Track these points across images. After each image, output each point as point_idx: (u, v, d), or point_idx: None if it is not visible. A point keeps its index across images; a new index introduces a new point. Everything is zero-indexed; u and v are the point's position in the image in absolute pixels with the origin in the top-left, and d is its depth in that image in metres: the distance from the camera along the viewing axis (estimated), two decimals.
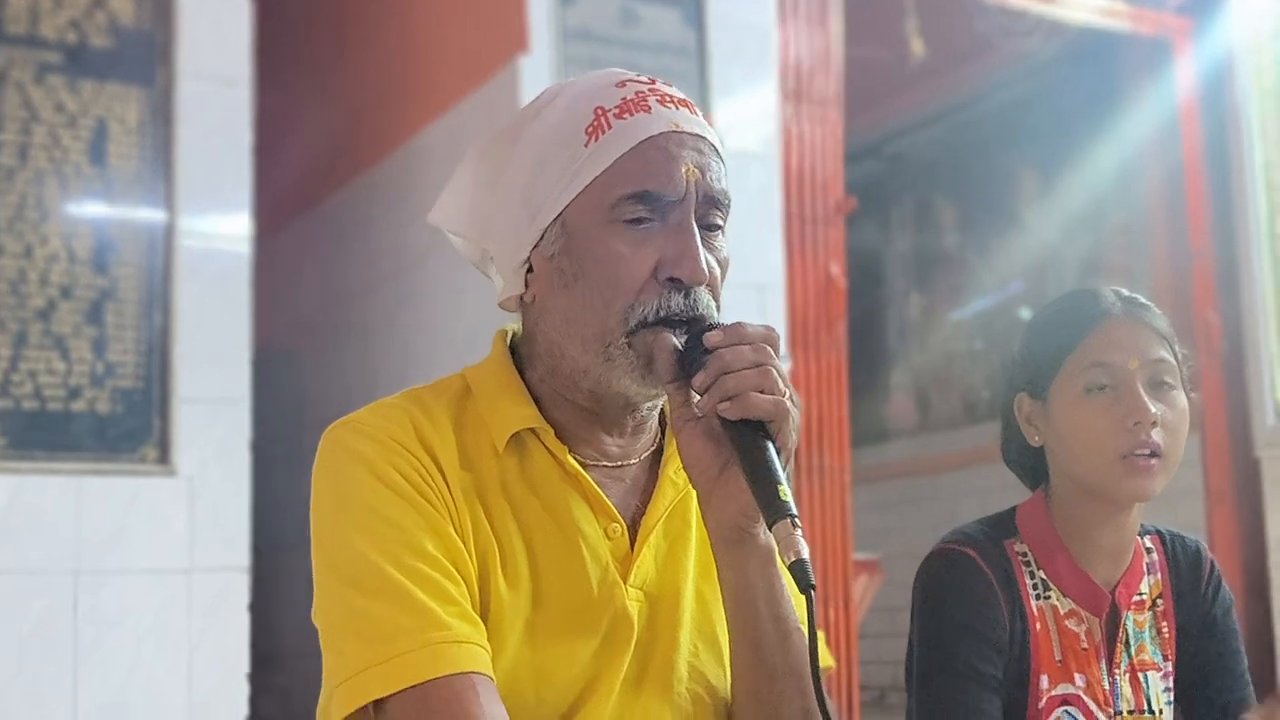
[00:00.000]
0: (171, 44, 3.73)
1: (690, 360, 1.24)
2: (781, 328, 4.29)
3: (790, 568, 1.16)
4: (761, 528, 1.26)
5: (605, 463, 1.35)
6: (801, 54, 4.55)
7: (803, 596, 1.17)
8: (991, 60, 6.63)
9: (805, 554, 1.16)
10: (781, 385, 1.23)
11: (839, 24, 4.65)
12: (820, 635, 1.50)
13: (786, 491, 1.19)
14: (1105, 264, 6.14)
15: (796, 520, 1.17)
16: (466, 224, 1.39)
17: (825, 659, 1.45)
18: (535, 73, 3.95)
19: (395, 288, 4.73)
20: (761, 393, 1.21)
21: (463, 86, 4.37)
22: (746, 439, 1.21)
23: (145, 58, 3.71)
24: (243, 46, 3.81)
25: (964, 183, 7.16)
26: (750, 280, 4.14)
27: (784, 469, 1.22)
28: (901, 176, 7.46)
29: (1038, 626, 1.67)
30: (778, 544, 1.18)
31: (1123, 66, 5.91)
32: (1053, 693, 1.66)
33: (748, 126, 4.35)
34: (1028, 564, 1.70)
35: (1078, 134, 6.23)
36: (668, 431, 1.38)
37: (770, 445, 1.21)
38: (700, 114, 1.34)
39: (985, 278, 7.03)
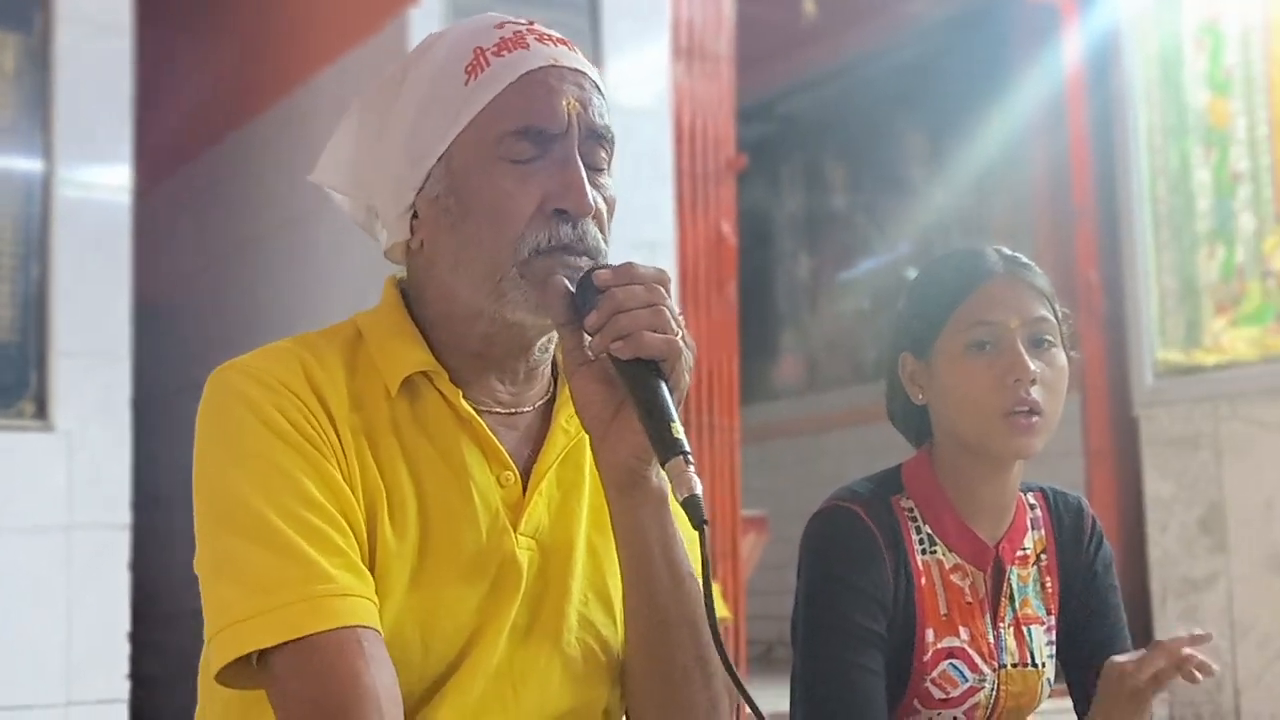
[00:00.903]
0: None
1: (583, 301, 1.24)
2: (672, 286, 4.29)
3: (683, 504, 1.17)
4: (655, 470, 1.26)
5: (499, 409, 1.34)
6: (694, 11, 4.55)
7: (695, 534, 1.17)
8: (883, 22, 6.67)
9: (698, 490, 1.16)
10: (674, 325, 1.23)
11: None
12: (716, 587, 1.51)
13: (679, 429, 1.19)
14: (990, 225, 6.22)
15: (689, 457, 1.17)
16: (350, 180, 1.38)
17: (721, 610, 1.46)
18: (425, 25, 3.90)
19: (281, 241, 4.67)
20: (654, 332, 1.21)
21: (352, 37, 4.31)
22: (639, 378, 1.21)
23: (22, 2, 3.61)
24: None
25: (853, 144, 7.20)
26: (641, 238, 4.13)
27: (677, 409, 1.22)
28: (792, 137, 7.49)
29: (923, 581, 1.69)
30: (671, 481, 1.18)
31: (1011, 31, 5.97)
32: (938, 646, 1.69)
33: (639, 83, 4.33)
34: (914, 519, 1.72)
35: (966, 97, 6.30)
36: (560, 380, 1.38)
37: (663, 384, 1.21)
38: (580, 53, 1.34)
39: (873, 239, 7.10)
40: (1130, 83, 5.48)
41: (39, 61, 3.62)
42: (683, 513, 1.20)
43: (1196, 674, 1.54)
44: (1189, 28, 5.40)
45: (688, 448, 1.18)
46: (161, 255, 5.16)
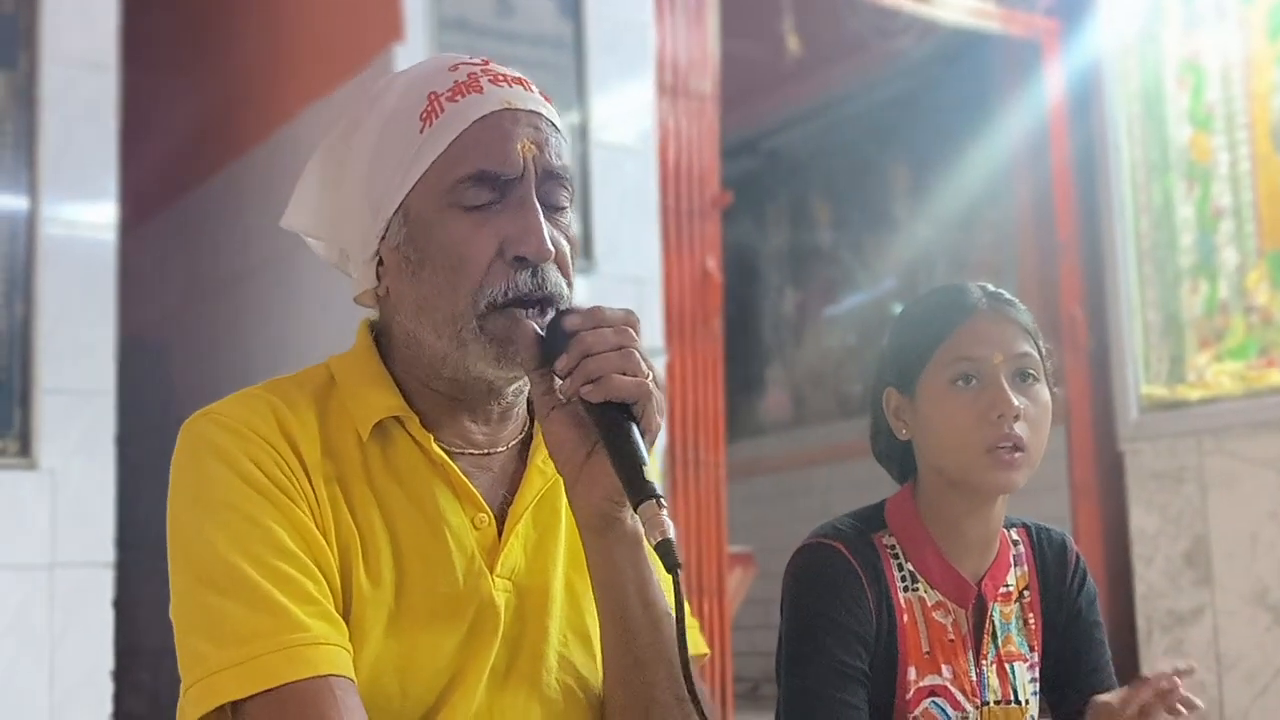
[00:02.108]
0: (36, 26, 3.64)
1: (552, 345, 1.23)
2: (658, 321, 4.30)
3: (656, 548, 1.16)
4: (628, 512, 1.25)
5: (472, 451, 1.33)
6: (679, 49, 4.56)
7: (669, 577, 1.17)
8: (866, 59, 6.69)
9: (671, 534, 1.16)
10: (644, 367, 1.22)
11: (716, 20, 4.67)
12: (695, 623, 1.51)
13: (651, 472, 1.19)
14: (974, 259, 6.24)
15: (662, 501, 1.17)
16: (318, 224, 1.38)
17: (700, 646, 1.45)
18: (410, 62, 3.86)
19: (267, 277, 4.67)
20: (624, 375, 1.21)
21: (337, 74, 4.32)
22: (610, 421, 1.21)
23: (7, 40, 3.61)
24: (110, 29, 3.73)
25: (838, 179, 7.22)
26: (627, 274, 4.13)
27: (649, 450, 1.21)
28: (777, 173, 7.51)
29: (905, 618, 1.68)
30: (643, 524, 1.18)
31: (994, 66, 6.00)
32: (920, 684, 1.68)
33: (625, 121, 4.34)
34: (896, 556, 1.71)
35: (950, 132, 6.32)
36: (536, 419, 1.37)
37: (634, 427, 1.21)
38: (537, 91, 1.32)
39: (858, 274, 7.11)
40: (1113, 118, 5.51)
41: (25, 99, 3.61)
42: (659, 562, 1.19)
43: (1181, 708, 1.53)
44: (1170, 64, 5.44)
45: (660, 491, 1.18)
46: (147, 292, 5.15)
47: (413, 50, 3.98)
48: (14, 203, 3.59)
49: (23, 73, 3.62)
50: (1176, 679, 1.53)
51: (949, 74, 6.39)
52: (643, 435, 1.21)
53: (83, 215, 3.68)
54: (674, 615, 1.21)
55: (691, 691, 1.20)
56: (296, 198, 1.38)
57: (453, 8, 4.08)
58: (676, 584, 1.17)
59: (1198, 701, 1.53)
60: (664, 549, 1.16)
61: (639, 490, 1.18)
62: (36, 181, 3.61)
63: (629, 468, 1.19)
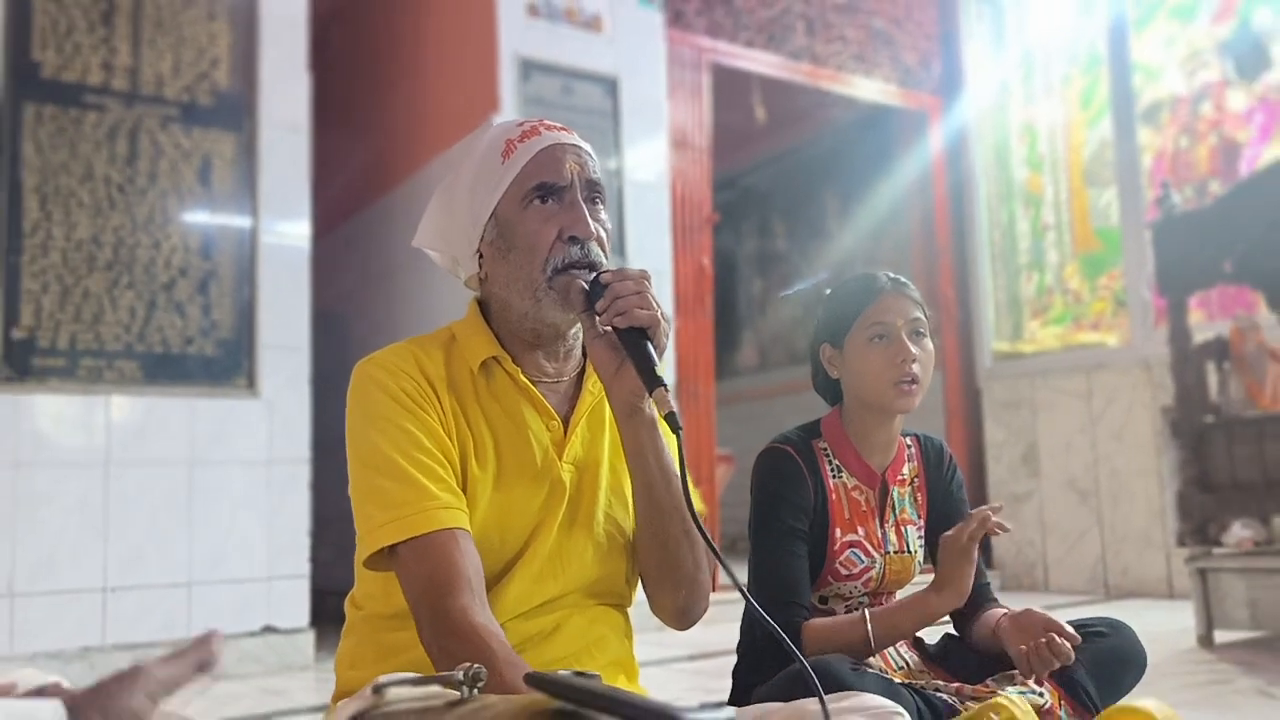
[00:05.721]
0: (255, 102, 3.63)
1: (594, 294, 1.25)
2: (669, 301, 4.29)
3: (665, 418, 1.18)
4: (647, 404, 1.26)
5: (545, 379, 1.34)
6: (684, 116, 4.53)
7: (674, 438, 1.18)
8: (810, 123, 6.65)
9: (675, 408, 1.17)
10: (655, 304, 1.23)
11: (709, 98, 4.63)
12: (696, 492, 1.51)
13: (660, 370, 1.21)
14: (881, 259, 6.20)
15: (667, 388, 1.18)
16: (437, 240, 1.39)
17: (698, 504, 1.45)
18: None
19: (411, 271, 4.67)
20: (641, 309, 1.22)
21: (452, 136, 4.30)
22: (633, 340, 1.22)
23: (237, 112, 3.61)
24: (303, 105, 3.71)
25: (791, 206, 7.18)
26: (649, 268, 4.10)
27: (659, 359, 1.23)
28: (749, 201, 7.47)
29: (833, 496, 1.68)
30: (655, 404, 1.19)
31: (894, 129, 5.94)
32: (843, 539, 1.67)
33: (647, 166, 4.32)
34: (827, 455, 1.71)
35: (866, 174, 6.27)
36: (587, 358, 1.38)
37: (649, 343, 1.22)
38: (576, 135, 1.34)
39: (803, 269, 7.08)
40: (975, 164, 5.47)
41: (249, 152, 3.61)
42: (668, 428, 1.20)
43: (997, 530, 1.53)
44: (1014, 126, 5.38)
45: (666, 383, 1.19)
46: (331, 281, 5.16)
47: (506, 118, 3.95)
48: (242, 222, 3.59)
49: (246, 134, 3.61)
50: (990, 514, 1.53)
51: (865, 134, 6.32)
52: (655, 349, 1.22)
53: (287, 229, 3.68)
54: (679, 470, 1.22)
55: (694, 516, 1.22)
56: (422, 225, 1.40)
57: (533, 91, 4.06)
58: (679, 442, 1.18)
59: (1007, 526, 1.54)
60: (670, 418, 1.17)
61: (653, 382, 1.19)
62: (257, 208, 3.61)
63: (646, 369, 1.20)
